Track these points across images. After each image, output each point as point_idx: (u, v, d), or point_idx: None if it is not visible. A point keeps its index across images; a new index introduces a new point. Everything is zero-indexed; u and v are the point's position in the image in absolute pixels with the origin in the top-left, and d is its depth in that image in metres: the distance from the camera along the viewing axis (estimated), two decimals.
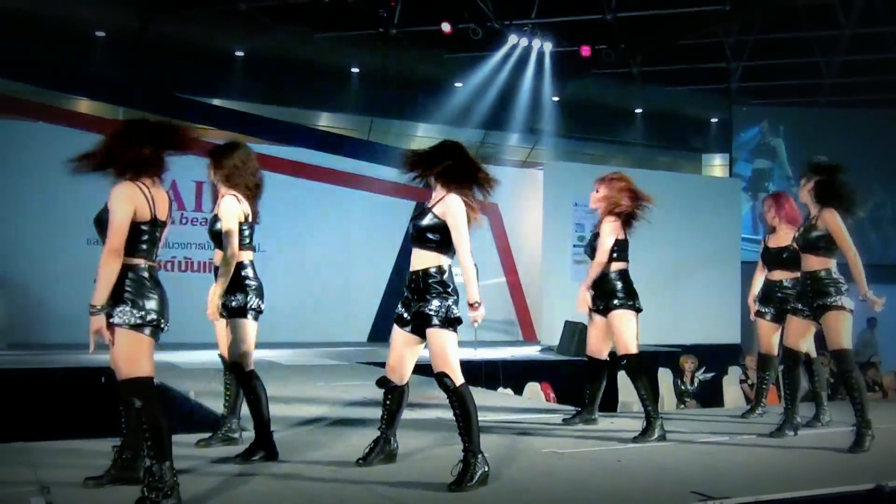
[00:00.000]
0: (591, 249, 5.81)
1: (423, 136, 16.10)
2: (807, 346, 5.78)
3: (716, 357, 11.85)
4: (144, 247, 3.70)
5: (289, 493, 4.04)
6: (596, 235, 5.77)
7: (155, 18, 13.52)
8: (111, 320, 3.59)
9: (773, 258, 6.28)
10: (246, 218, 4.74)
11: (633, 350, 5.63)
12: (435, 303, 4.21)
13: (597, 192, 5.79)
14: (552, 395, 9.45)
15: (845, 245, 5.22)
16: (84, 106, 13.81)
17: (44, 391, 8.65)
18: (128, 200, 3.64)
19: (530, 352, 13.36)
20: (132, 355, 3.59)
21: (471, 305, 4.23)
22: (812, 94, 18.59)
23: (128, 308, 3.59)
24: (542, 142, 17.34)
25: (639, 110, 18.55)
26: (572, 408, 6.57)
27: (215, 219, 4.79)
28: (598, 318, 5.81)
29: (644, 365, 5.69)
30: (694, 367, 10.28)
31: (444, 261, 4.30)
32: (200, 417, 6.25)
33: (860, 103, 18.31)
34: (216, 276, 4.79)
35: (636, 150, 18.76)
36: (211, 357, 5.33)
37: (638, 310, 5.69)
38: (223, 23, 14.23)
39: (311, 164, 14.24)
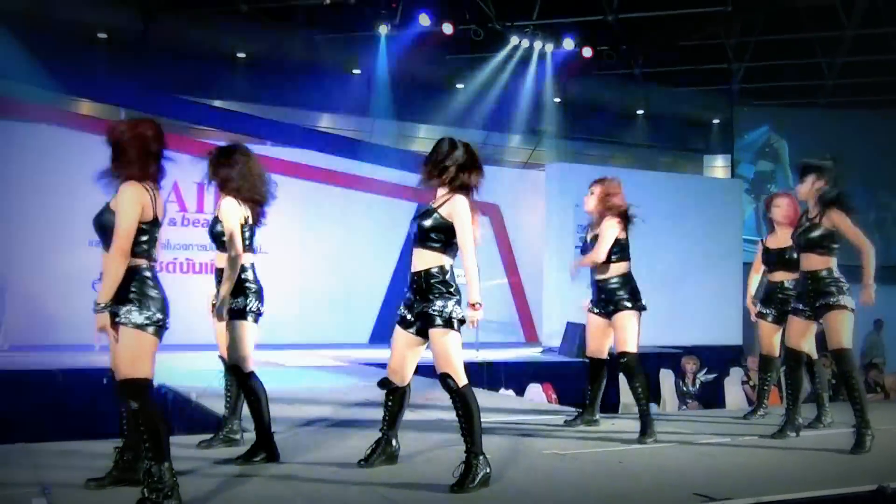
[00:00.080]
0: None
1: (425, 137, 16.11)
2: (808, 346, 5.78)
3: (717, 358, 11.85)
4: (146, 247, 3.73)
5: (290, 495, 4.04)
6: (595, 237, 5.74)
7: (157, 20, 13.53)
8: (116, 319, 3.61)
9: (777, 259, 6.27)
10: (246, 220, 4.74)
11: (632, 349, 5.62)
12: (438, 303, 4.21)
13: (591, 193, 5.77)
14: (554, 396, 9.46)
15: (860, 240, 5.26)
16: (86, 108, 13.82)
17: (45, 392, 8.65)
18: (137, 202, 3.67)
19: (532, 353, 13.35)
20: (135, 355, 3.60)
21: (472, 305, 4.23)
22: (814, 95, 18.57)
23: (134, 308, 3.61)
24: (543, 143, 17.34)
25: (640, 111, 18.54)
26: (574, 409, 6.57)
27: (216, 220, 4.79)
28: (597, 318, 5.81)
29: (642, 365, 5.69)
30: (695, 369, 10.28)
31: (446, 261, 4.30)
32: (202, 419, 6.25)
33: (862, 104, 18.29)
34: (217, 277, 4.80)
35: (638, 150, 18.74)
36: (212, 358, 5.33)
37: (643, 309, 5.69)
38: (225, 24, 14.24)
39: (312, 165, 14.24)
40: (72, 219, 11.09)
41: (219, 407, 5.31)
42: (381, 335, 13.16)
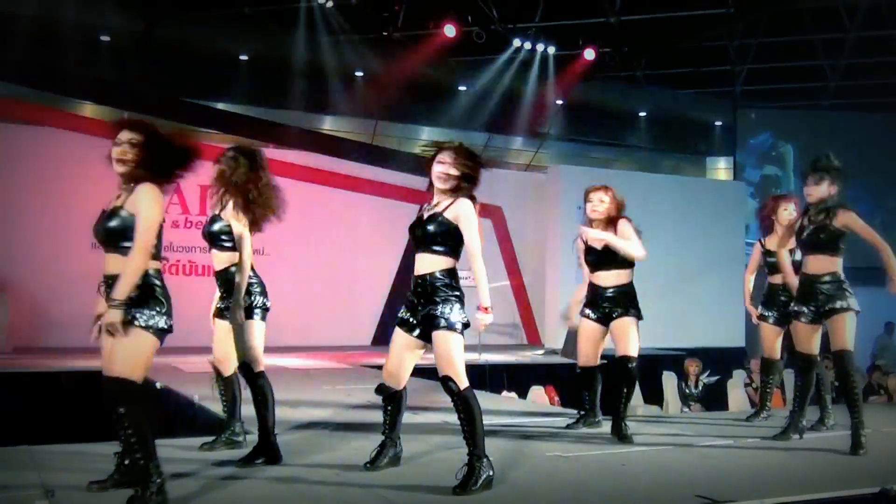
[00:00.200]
0: (599, 254, 5.72)
1: (427, 139, 16.09)
2: (817, 347, 5.75)
3: (720, 360, 11.83)
4: (158, 249, 3.75)
5: (292, 497, 4.04)
6: (606, 248, 5.66)
7: (159, 23, 13.54)
8: (125, 317, 3.60)
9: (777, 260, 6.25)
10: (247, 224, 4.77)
11: (636, 355, 5.62)
12: (443, 306, 4.21)
13: (601, 201, 5.68)
14: (556, 398, 9.45)
15: (876, 239, 5.28)
16: (89, 110, 13.83)
17: (48, 395, 8.66)
18: (159, 202, 3.70)
19: (534, 355, 13.35)
20: (134, 355, 3.59)
21: (481, 309, 4.23)
22: (816, 97, 18.55)
23: (145, 309, 3.61)
24: (546, 145, 17.34)
25: (643, 113, 18.53)
26: (576, 412, 6.56)
27: (213, 219, 4.80)
28: (591, 324, 5.76)
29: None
30: (698, 371, 10.27)
31: (450, 264, 4.29)
32: (204, 421, 6.26)
33: (865, 106, 18.26)
34: (217, 279, 4.81)
35: (640, 153, 18.73)
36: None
37: (640, 318, 5.69)
38: (227, 27, 14.24)
39: (314, 167, 14.25)
40: (75, 222, 11.11)
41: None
42: (382, 337, 13.18)
